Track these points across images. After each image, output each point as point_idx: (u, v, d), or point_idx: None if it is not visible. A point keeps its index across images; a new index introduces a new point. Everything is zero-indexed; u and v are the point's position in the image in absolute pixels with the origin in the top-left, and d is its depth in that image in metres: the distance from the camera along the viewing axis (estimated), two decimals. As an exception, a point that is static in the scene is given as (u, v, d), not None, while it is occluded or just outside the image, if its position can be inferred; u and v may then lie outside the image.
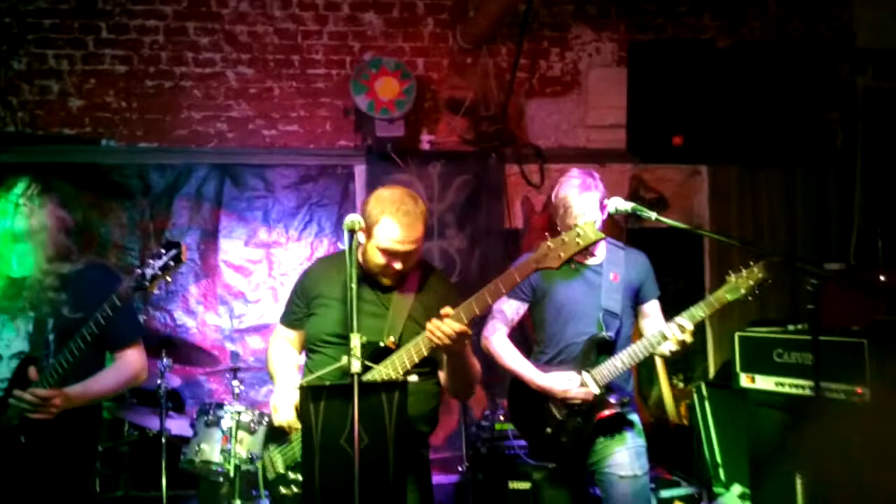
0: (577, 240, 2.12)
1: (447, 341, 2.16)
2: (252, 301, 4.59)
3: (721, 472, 4.26)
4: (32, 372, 2.23)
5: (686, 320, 2.67)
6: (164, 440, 3.56)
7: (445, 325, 2.15)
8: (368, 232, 2.31)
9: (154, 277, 2.17)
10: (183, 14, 4.57)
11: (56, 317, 2.33)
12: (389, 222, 2.28)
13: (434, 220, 4.75)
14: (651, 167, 5.02)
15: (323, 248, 4.66)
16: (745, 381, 3.56)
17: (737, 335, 3.63)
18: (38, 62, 4.46)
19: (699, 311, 2.70)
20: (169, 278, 2.22)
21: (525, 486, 3.60)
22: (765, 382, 3.46)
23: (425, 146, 4.81)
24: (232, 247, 4.60)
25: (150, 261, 2.19)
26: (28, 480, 2.27)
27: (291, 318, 2.54)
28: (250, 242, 4.62)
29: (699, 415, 4.42)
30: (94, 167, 4.45)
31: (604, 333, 2.77)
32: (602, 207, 2.75)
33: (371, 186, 4.59)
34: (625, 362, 2.74)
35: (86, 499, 2.45)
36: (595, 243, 2.23)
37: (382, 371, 2.24)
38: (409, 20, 4.81)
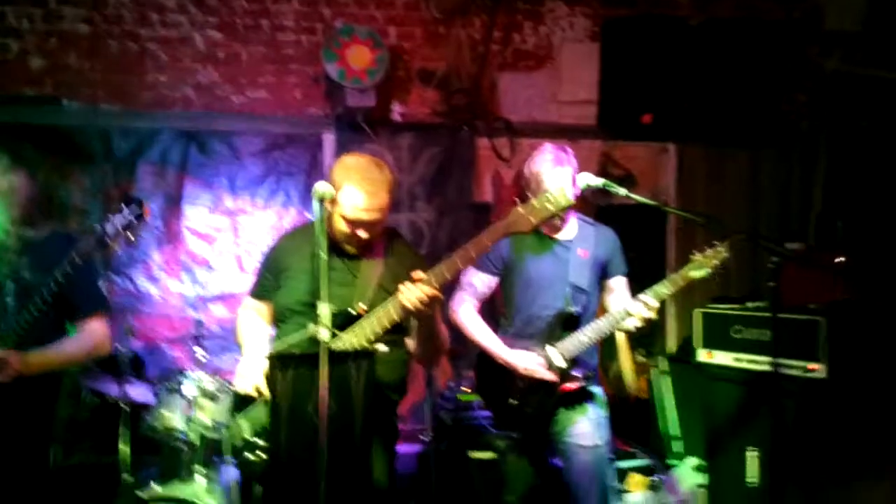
0: (548, 205, 2.12)
1: (419, 305, 2.15)
2: (216, 269, 4.53)
3: (677, 444, 4.38)
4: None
5: (650, 297, 2.71)
6: (124, 406, 3.52)
7: (417, 289, 2.15)
8: (333, 200, 2.28)
9: (116, 234, 2.13)
10: (148, -27, 4.44)
11: (16, 280, 2.28)
12: (353, 190, 2.26)
13: (403, 192, 4.73)
14: (620, 144, 5.04)
15: (290, 217, 4.61)
16: (703, 356, 3.64)
17: (697, 311, 3.71)
18: (-4, 19, 4.31)
19: (664, 288, 2.74)
20: (131, 236, 2.17)
21: (488, 455, 3.65)
22: (723, 358, 3.54)
23: (396, 117, 4.76)
24: (196, 214, 4.52)
25: (112, 217, 2.15)
26: None
27: (260, 290, 2.53)
28: (215, 210, 4.55)
29: (658, 389, 4.52)
30: (56, 129, 4.31)
31: (571, 308, 2.80)
32: (574, 183, 2.76)
33: (340, 156, 4.54)
34: (590, 337, 2.78)
35: (41, 469, 2.41)
36: (565, 209, 2.24)
37: (353, 338, 2.24)
38: (383, -13, 4.75)
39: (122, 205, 2.15)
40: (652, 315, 2.70)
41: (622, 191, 2.79)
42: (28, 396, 2.30)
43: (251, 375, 2.29)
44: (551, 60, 5.00)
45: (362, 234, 2.32)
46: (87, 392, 3.75)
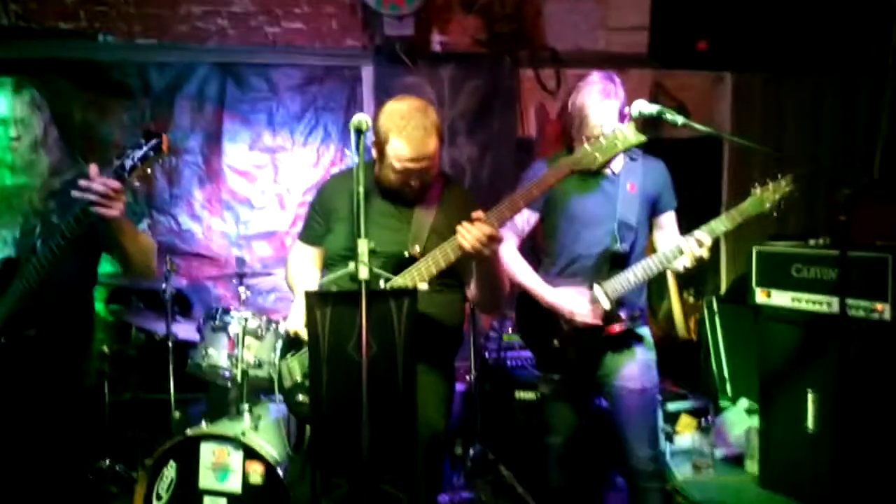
0: (616, 142, 2.03)
1: (477, 245, 2.07)
2: (258, 207, 4.49)
3: (728, 386, 4.27)
4: (94, 168, 2.07)
5: (705, 234, 2.56)
6: (170, 344, 3.55)
7: (476, 229, 2.06)
8: (380, 150, 2.23)
9: (133, 168, 2.05)
10: None
11: (44, 224, 2.26)
12: (398, 142, 2.19)
13: (444, 126, 4.55)
14: (673, 73, 4.79)
15: (329, 154, 4.52)
16: (760, 296, 3.48)
17: (755, 249, 3.53)
18: (29, -49, 4.21)
19: (720, 224, 2.59)
20: (149, 170, 2.10)
21: (531, 396, 3.60)
22: (781, 298, 3.39)
23: (436, 47, 4.58)
24: (236, 151, 4.46)
25: (129, 151, 2.07)
26: (25, 376, 2.24)
27: (310, 233, 2.49)
28: (255, 147, 4.48)
29: (709, 330, 4.39)
30: (92, 64, 4.25)
31: (618, 246, 2.67)
32: (624, 116, 2.59)
33: (379, 90, 4.41)
34: (638, 276, 2.64)
35: (78, 396, 2.43)
36: (636, 145, 2.12)
37: (407, 278, 2.18)
38: None
39: (141, 139, 2.08)
40: (704, 253, 2.55)
41: (679, 119, 2.57)
42: (67, 328, 2.31)
43: (301, 317, 2.24)
44: (600, -16, 4.72)
45: (414, 182, 2.25)
46: (135, 329, 3.80)
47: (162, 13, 4.33)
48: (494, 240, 2.09)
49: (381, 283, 2.14)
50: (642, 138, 2.07)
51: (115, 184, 2.05)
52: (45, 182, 2.32)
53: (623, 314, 2.68)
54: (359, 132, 2.06)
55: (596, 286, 2.66)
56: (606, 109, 2.57)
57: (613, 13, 4.74)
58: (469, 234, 2.07)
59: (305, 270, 2.47)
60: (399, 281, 2.19)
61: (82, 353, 2.46)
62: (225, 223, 4.46)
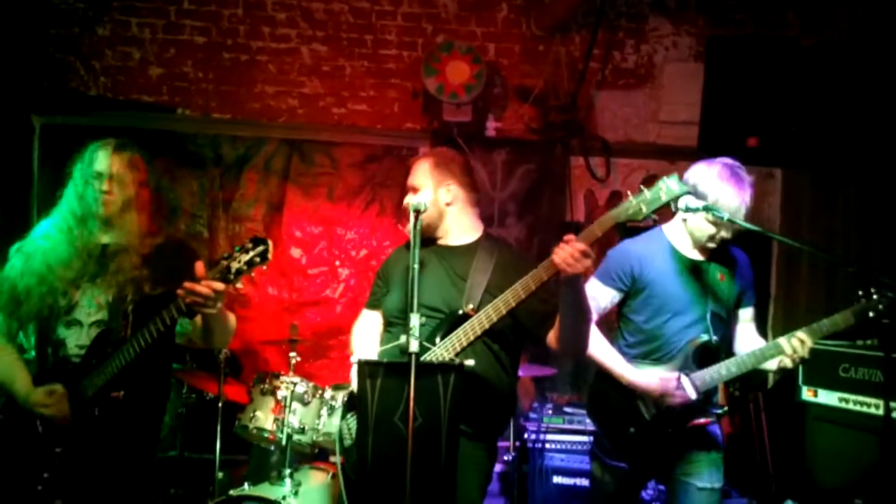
0: (661, 193, 2.07)
1: (572, 262, 2.08)
2: (312, 275, 4.65)
3: (773, 485, 4.14)
4: (200, 267, 2.15)
5: (807, 335, 2.50)
6: (220, 405, 3.65)
7: (569, 247, 2.09)
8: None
9: (239, 272, 2.10)
10: (262, -12, 4.64)
11: (136, 290, 2.35)
12: None
13: (495, 207, 4.73)
14: (722, 168, 4.86)
15: (384, 228, 4.69)
16: (806, 394, 3.44)
17: (802, 346, 3.50)
18: (122, 29, 4.59)
19: (821, 328, 2.52)
20: (253, 274, 2.14)
21: (571, 481, 3.57)
22: (828, 397, 3.35)
23: (491, 133, 4.78)
24: (296, 221, 4.67)
25: (237, 254, 2.11)
26: (95, 452, 2.31)
27: (372, 299, 2.63)
28: (314, 218, 4.68)
29: (754, 425, 4.30)
30: (170, 134, 4.57)
31: (711, 338, 2.59)
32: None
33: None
34: (731, 371, 2.56)
35: (146, 472, 2.47)
36: (679, 197, 2.17)
37: (461, 336, 2.25)
38: (484, 4, 4.78)
39: (249, 244, 2.11)
40: (806, 354, 2.49)
41: (725, 214, 2.62)
42: (140, 404, 2.40)
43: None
44: (652, 79, 4.90)
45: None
46: (186, 387, 3.91)
47: (237, 90, 4.65)
48: (587, 255, 2.10)
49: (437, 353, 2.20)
50: (685, 189, 2.11)
51: (219, 286, 2.11)
52: (138, 244, 2.40)
53: (711, 409, 2.61)
54: (417, 212, 2.21)
55: (684, 376, 2.57)
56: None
57: (665, 108, 4.88)
58: (564, 253, 2.09)
59: (367, 336, 2.58)
60: (457, 336, 2.25)
61: (160, 414, 2.56)
62: (279, 290, 4.63)
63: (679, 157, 4.76)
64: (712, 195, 2.57)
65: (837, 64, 4.48)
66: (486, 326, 2.23)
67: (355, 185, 4.70)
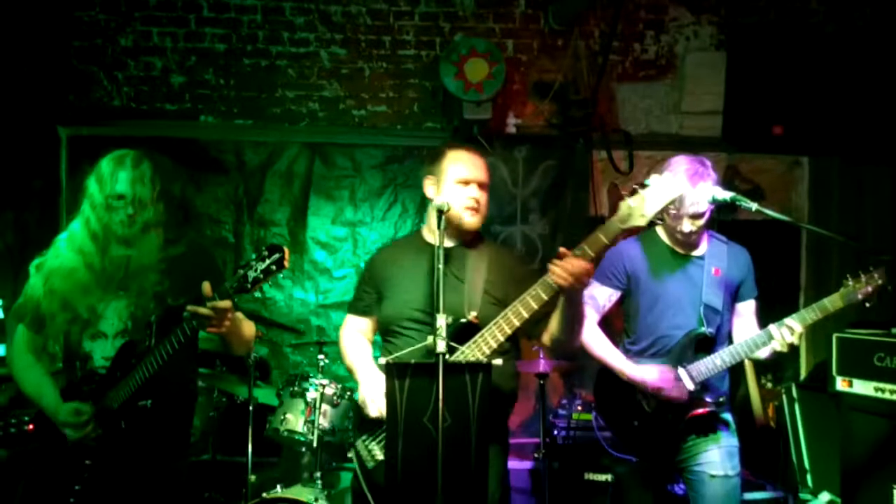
0: (659, 195, 2.06)
1: (570, 279, 2.07)
2: (337, 277, 4.68)
3: (809, 477, 4.08)
4: (206, 288, 2.17)
5: (796, 322, 2.55)
6: (251, 408, 3.68)
7: (566, 263, 2.08)
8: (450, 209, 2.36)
9: (256, 281, 2.12)
10: (280, -6, 4.67)
11: (159, 303, 2.38)
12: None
13: (517, 204, 4.71)
14: (747, 157, 4.82)
15: (406, 229, 4.70)
16: (841, 384, 3.38)
17: (835, 336, 3.44)
18: (144, 39, 4.64)
19: (811, 314, 2.58)
20: (270, 283, 2.16)
21: (602, 477, 3.55)
22: (863, 387, 3.27)
23: (511, 129, 4.76)
24: (319, 224, 4.69)
25: (253, 263, 2.13)
26: (125, 463, 2.33)
27: (361, 305, 2.58)
28: (337, 221, 4.70)
29: (788, 417, 4.24)
30: (193, 142, 4.61)
31: (704, 329, 2.67)
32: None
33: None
34: (725, 361, 2.64)
35: (177, 479, 2.48)
36: (676, 199, 2.19)
37: (475, 349, 2.25)
38: (501, 0, 4.76)
39: (264, 252, 2.13)
40: (796, 341, 2.55)
41: (753, 205, 2.62)
42: (167, 416, 2.41)
43: (379, 400, 2.30)
44: (673, 70, 4.85)
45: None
46: (217, 392, 3.95)
47: (258, 96, 4.69)
48: (589, 273, 2.09)
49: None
50: (681, 190, 2.16)
51: (224, 304, 2.15)
52: (157, 261, 2.41)
53: (708, 398, 2.66)
54: (440, 212, 2.22)
55: (681, 368, 2.65)
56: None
57: (687, 98, 4.83)
58: (562, 270, 2.07)
59: (361, 349, 2.55)
60: (469, 350, 2.24)
61: (188, 420, 2.59)
62: (306, 292, 4.66)
63: (702, 148, 4.68)
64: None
65: (862, 49, 4.40)
66: (501, 339, 2.25)
67: (377, 187, 4.71)
